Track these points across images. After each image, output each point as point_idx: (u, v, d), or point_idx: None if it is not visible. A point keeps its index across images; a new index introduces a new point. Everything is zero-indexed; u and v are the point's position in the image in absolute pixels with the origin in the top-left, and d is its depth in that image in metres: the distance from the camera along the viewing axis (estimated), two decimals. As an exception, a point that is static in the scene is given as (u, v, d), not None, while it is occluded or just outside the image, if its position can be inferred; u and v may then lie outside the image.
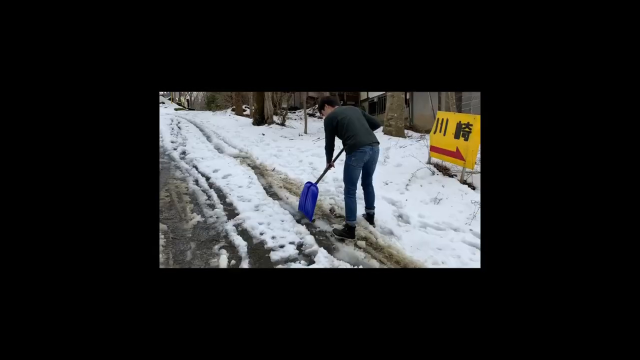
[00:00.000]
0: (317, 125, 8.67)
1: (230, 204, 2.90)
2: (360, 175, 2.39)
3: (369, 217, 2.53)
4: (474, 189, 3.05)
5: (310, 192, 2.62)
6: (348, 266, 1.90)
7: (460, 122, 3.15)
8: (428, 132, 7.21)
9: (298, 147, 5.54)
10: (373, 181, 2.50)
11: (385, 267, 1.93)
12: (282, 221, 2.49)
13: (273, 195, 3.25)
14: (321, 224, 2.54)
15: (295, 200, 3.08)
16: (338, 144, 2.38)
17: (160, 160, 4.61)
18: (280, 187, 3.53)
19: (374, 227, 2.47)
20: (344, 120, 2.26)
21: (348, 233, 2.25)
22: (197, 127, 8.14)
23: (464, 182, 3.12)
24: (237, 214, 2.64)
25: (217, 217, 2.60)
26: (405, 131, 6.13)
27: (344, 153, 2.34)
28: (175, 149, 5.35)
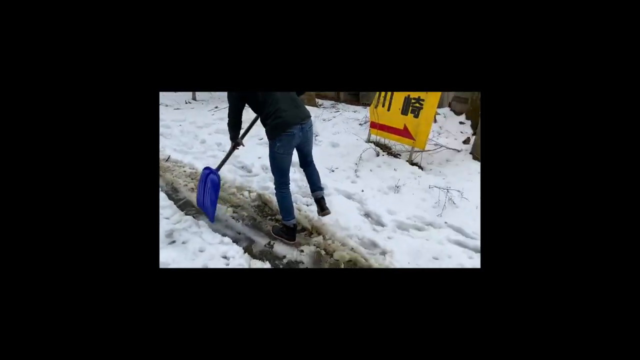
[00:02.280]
0: (205, 88, 7.03)
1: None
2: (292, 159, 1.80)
3: (320, 202, 1.89)
4: (422, 169, 2.88)
5: (210, 182, 1.89)
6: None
7: (409, 96, 2.81)
8: (334, 100, 6.90)
9: (191, 121, 4.21)
10: (314, 160, 1.94)
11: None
12: (227, 259, 1.61)
13: (186, 206, 2.19)
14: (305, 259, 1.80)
15: (222, 212, 2.16)
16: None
17: None
18: (192, 189, 2.46)
19: (329, 212, 1.91)
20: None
21: (287, 233, 1.84)
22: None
23: (412, 163, 2.90)
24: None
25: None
26: (316, 99, 5.59)
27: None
28: None
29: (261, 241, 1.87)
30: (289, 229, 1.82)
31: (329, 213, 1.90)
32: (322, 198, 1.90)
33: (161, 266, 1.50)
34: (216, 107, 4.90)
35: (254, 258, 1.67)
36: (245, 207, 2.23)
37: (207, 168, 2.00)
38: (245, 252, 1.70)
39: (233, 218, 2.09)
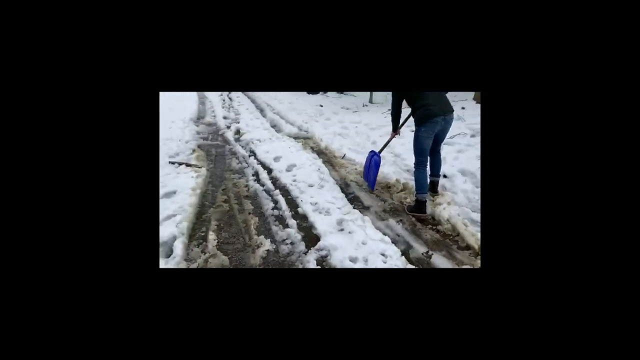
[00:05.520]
0: (382, 92, 7.47)
1: (305, 217, 2.21)
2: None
3: (432, 186, 2.41)
4: None
5: (373, 162, 2.61)
6: None
7: None
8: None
9: (366, 123, 4.61)
10: (441, 148, 2.40)
11: None
12: (385, 257, 1.73)
13: (355, 201, 2.48)
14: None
15: (382, 210, 2.29)
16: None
17: (215, 143, 4.07)
18: (361, 186, 2.74)
19: (437, 195, 2.41)
20: None
21: (418, 208, 2.20)
22: (248, 97, 7.52)
23: None
24: (317, 238, 1.95)
25: (291, 243, 1.94)
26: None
27: (411, 119, 2.26)
28: (228, 127, 4.75)
29: (419, 248, 1.87)
30: (420, 203, 2.18)
31: (440, 195, 2.38)
32: (437, 183, 2.43)
33: (329, 251, 1.80)
34: (388, 110, 5.13)
35: (410, 263, 1.71)
36: (403, 213, 2.28)
37: (372, 151, 2.69)
38: (402, 255, 1.76)
39: (396, 222, 2.18)
